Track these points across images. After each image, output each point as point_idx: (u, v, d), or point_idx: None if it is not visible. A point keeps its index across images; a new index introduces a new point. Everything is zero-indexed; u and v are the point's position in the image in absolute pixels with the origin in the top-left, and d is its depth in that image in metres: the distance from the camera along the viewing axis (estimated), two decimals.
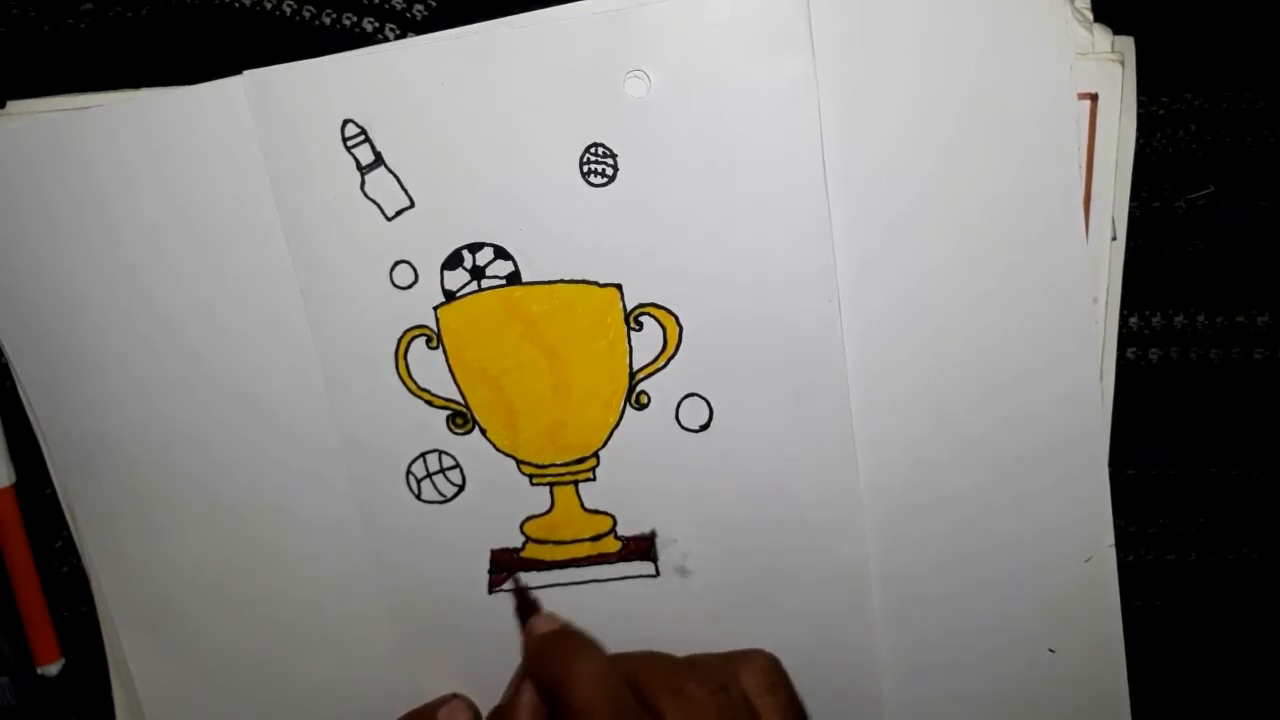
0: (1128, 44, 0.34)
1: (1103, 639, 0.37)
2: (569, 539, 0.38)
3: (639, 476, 0.37)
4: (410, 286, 0.36)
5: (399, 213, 0.35)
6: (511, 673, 0.37)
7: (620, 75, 0.34)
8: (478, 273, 0.36)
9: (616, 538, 0.37)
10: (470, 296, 0.36)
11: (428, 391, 0.36)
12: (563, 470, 0.37)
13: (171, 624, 0.39)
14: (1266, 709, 0.39)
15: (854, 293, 0.35)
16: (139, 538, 0.38)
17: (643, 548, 0.37)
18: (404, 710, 0.38)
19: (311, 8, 0.37)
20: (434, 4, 0.37)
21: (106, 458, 0.38)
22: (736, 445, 0.36)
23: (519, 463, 0.37)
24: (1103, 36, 0.34)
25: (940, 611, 0.38)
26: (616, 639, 0.36)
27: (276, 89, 0.34)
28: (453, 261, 0.35)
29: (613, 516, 0.37)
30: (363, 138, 0.35)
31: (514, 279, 0.36)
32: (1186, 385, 0.38)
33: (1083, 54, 0.34)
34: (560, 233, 0.35)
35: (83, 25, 0.37)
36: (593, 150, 0.34)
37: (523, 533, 0.37)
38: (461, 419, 0.37)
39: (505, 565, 0.38)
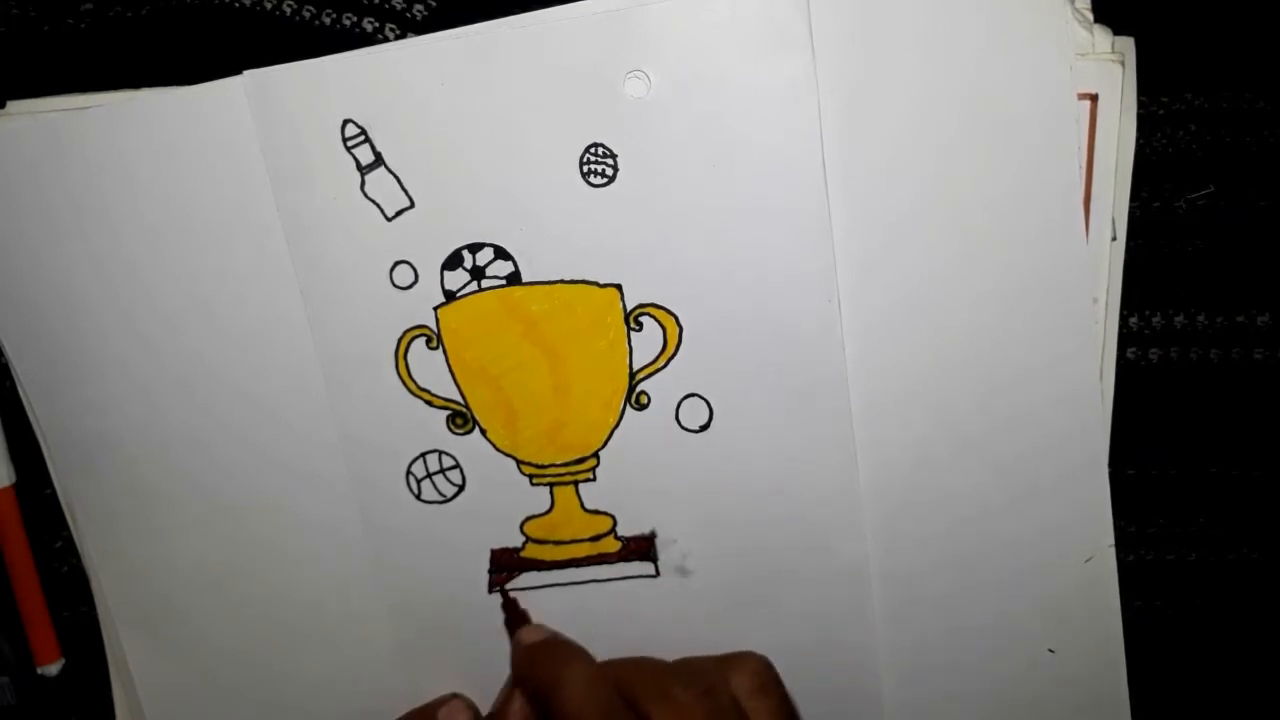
0: (1128, 44, 0.34)
1: (1103, 639, 0.37)
2: (569, 539, 0.38)
3: (639, 477, 0.37)
4: (410, 286, 0.36)
5: (399, 213, 0.35)
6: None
7: (620, 75, 0.34)
8: (478, 273, 0.36)
9: (616, 538, 0.37)
10: (470, 296, 0.36)
11: (428, 391, 0.36)
12: (563, 470, 0.37)
13: (171, 624, 0.39)
14: (1266, 709, 0.39)
15: (854, 293, 0.35)
16: (139, 538, 0.38)
17: (643, 548, 0.37)
18: (404, 710, 0.38)
19: (311, 8, 0.37)
20: (434, 4, 0.37)
21: (106, 458, 0.38)
22: (736, 445, 0.36)
23: (519, 463, 0.37)
24: (1103, 36, 0.34)
25: (940, 611, 0.38)
26: (616, 639, 0.36)
27: (276, 89, 0.34)
28: (453, 262, 0.35)
29: (613, 516, 0.37)
30: (363, 138, 0.35)
31: (514, 279, 0.36)
32: (1186, 385, 0.38)
33: (1083, 54, 0.34)
34: (560, 233, 0.35)
35: (83, 25, 0.37)
36: (593, 150, 0.34)
37: (523, 533, 0.37)
38: (461, 419, 0.37)
39: (505, 565, 0.38)
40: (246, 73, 0.34)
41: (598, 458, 0.37)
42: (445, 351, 0.36)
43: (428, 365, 0.36)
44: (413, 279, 0.36)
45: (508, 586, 0.38)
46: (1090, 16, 0.34)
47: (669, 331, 0.36)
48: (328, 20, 0.37)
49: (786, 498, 0.36)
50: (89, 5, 0.37)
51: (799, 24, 0.33)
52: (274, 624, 0.39)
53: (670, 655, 0.36)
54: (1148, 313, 0.38)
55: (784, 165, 0.34)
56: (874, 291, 0.35)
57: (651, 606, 0.38)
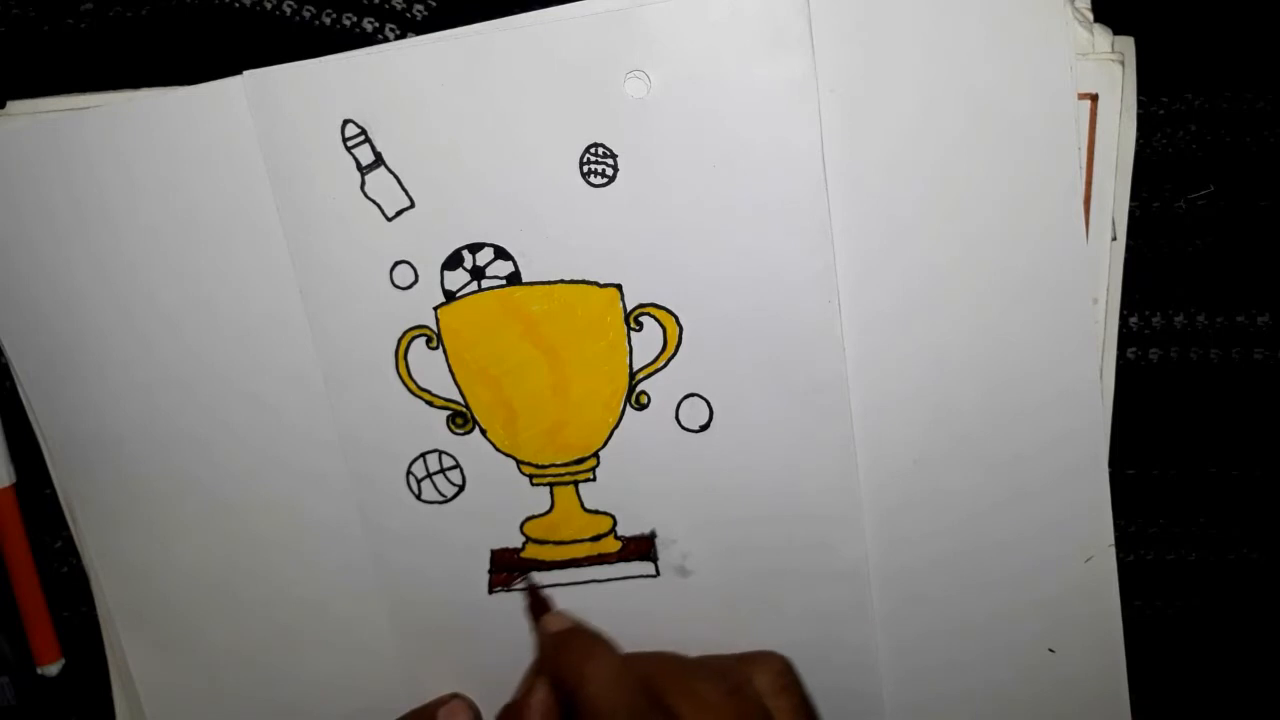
0: (1128, 44, 0.34)
1: (1103, 639, 0.37)
2: (569, 539, 0.38)
3: (639, 477, 0.37)
4: (410, 287, 0.36)
5: (399, 213, 0.35)
6: (511, 672, 0.37)
7: (620, 75, 0.34)
8: (478, 273, 0.36)
9: (616, 538, 0.37)
10: (470, 297, 0.36)
11: (428, 392, 0.36)
12: (563, 470, 0.37)
13: (171, 624, 0.39)
14: (1266, 709, 0.39)
15: (854, 293, 0.35)
16: (139, 538, 0.38)
17: (643, 548, 0.37)
18: (404, 710, 0.38)
19: (311, 8, 0.37)
20: (434, 4, 0.37)
21: (106, 458, 0.38)
22: (736, 445, 0.36)
23: (519, 463, 0.37)
24: (1103, 36, 0.34)
25: (940, 611, 0.38)
26: (617, 639, 0.36)
27: (276, 89, 0.34)
28: (453, 262, 0.35)
29: (613, 516, 0.37)
30: (363, 138, 0.35)
31: (514, 279, 0.36)
32: (1186, 385, 0.38)
33: (1083, 54, 0.34)
34: (560, 233, 0.35)
35: (83, 25, 0.37)
36: (593, 150, 0.34)
37: (523, 533, 0.37)
38: (461, 419, 0.37)
39: (505, 565, 0.38)
40: (246, 73, 0.34)
41: (598, 458, 0.37)
42: (445, 351, 0.36)
43: (428, 365, 0.36)
44: (413, 279, 0.36)
45: (509, 587, 0.38)
46: (1090, 16, 0.34)
47: (669, 331, 0.36)
48: (328, 20, 0.37)
49: (786, 497, 0.36)
50: (89, 5, 0.37)
51: (799, 24, 0.33)
52: (274, 624, 0.39)
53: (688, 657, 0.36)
54: (1148, 313, 0.38)
55: (784, 165, 0.34)
56: (874, 291, 0.35)
57: (651, 606, 0.38)
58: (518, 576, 0.38)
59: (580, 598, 0.38)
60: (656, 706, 0.32)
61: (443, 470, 0.37)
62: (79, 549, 0.39)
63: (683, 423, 0.36)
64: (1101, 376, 0.36)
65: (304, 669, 0.39)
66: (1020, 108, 0.34)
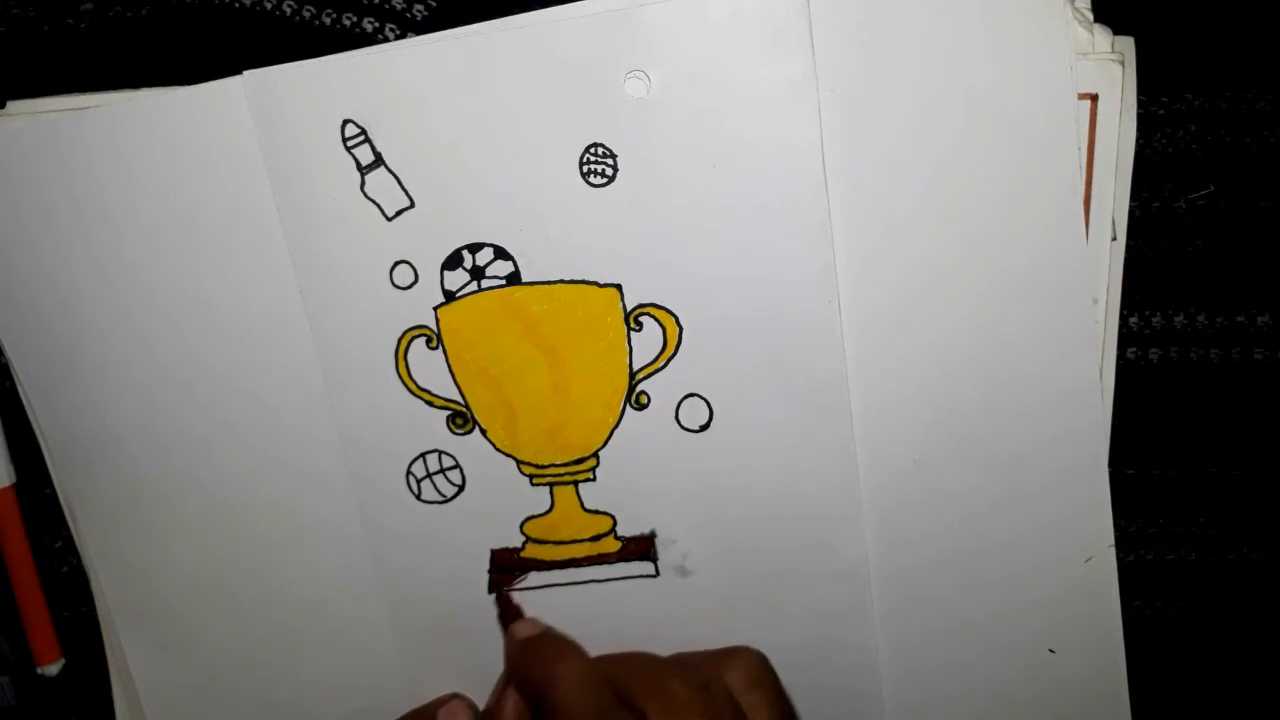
0: (1128, 44, 0.34)
1: (1103, 639, 0.37)
2: (569, 539, 0.38)
3: (639, 477, 0.37)
4: (410, 287, 0.36)
5: (399, 213, 0.35)
6: None
7: (620, 75, 0.34)
8: (478, 273, 0.36)
9: (616, 538, 0.38)
10: (470, 297, 0.36)
11: (428, 392, 0.37)
12: (563, 470, 0.37)
13: (171, 624, 0.39)
14: (1266, 709, 0.39)
15: (854, 293, 0.35)
16: (139, 538, 0.38)
17: (642, 548, 0.37)
18: (404, 710, 0.38)
19: (311, 8, 0.37)
20: (434, 4, 0.37)
21: (106, 458, 0.38)
22: (736, 445, 0.36)
23: (519, 463, 0.37)
24: (1103, 36, 0.34)
25: (940, 611, 0.38)
26: (616, 639, 0.36)
27: (276, 89, 0.34)
28: (453, 262, 0.35)
29: (613, 516, 0.37)
30: (363, 138, 0.35)
31: (514, 279, 0.36)
32: (1186, 385, 0.38)
33: (1083, 54, 0.34)
34: (560, 233, 0.35)
35: (83, 25, 0.37)
36: (593, 150, 0.34)
37: (522, 533, 0.37)
38: (461, 419, 0.37)
39: (505, 565, 0.38)
40: (246, 73, 0.34)
41: (597, 458, 0.37)
42: (445, 351, 0.36)
43: (428, 365, 0.36)
44: (413, 279, 0.36)
45: (510, 587, 0.38)
46: (1090, 16, 0.34)
47: (669, 331, 0.36)
48: (328, 20, 0.37)
49: (786, 497, 0.36)
50: (89, 5, 0.37)
51: (799, 24, 0.33)
52: (274, 624, 0.39)
53: (669, 654, 0.36)
54: (1148, 313, 0.38)
55: (784, 165, 0.34)
56: (874, 291, 0.35)
57: (651, 606, 0.38)
58: (518, 576, 0.38)
59: (580, 598, 0.38)
60: (625, 706, 0.32)
61: (443, 470, 0.37)
62: (79, 549, 0.39)
63: (683, 423, 0.36)
64: (1101, 376, 0.36)
65: (304, 669, 0.39)
66: (1020, 108, 0.34)
